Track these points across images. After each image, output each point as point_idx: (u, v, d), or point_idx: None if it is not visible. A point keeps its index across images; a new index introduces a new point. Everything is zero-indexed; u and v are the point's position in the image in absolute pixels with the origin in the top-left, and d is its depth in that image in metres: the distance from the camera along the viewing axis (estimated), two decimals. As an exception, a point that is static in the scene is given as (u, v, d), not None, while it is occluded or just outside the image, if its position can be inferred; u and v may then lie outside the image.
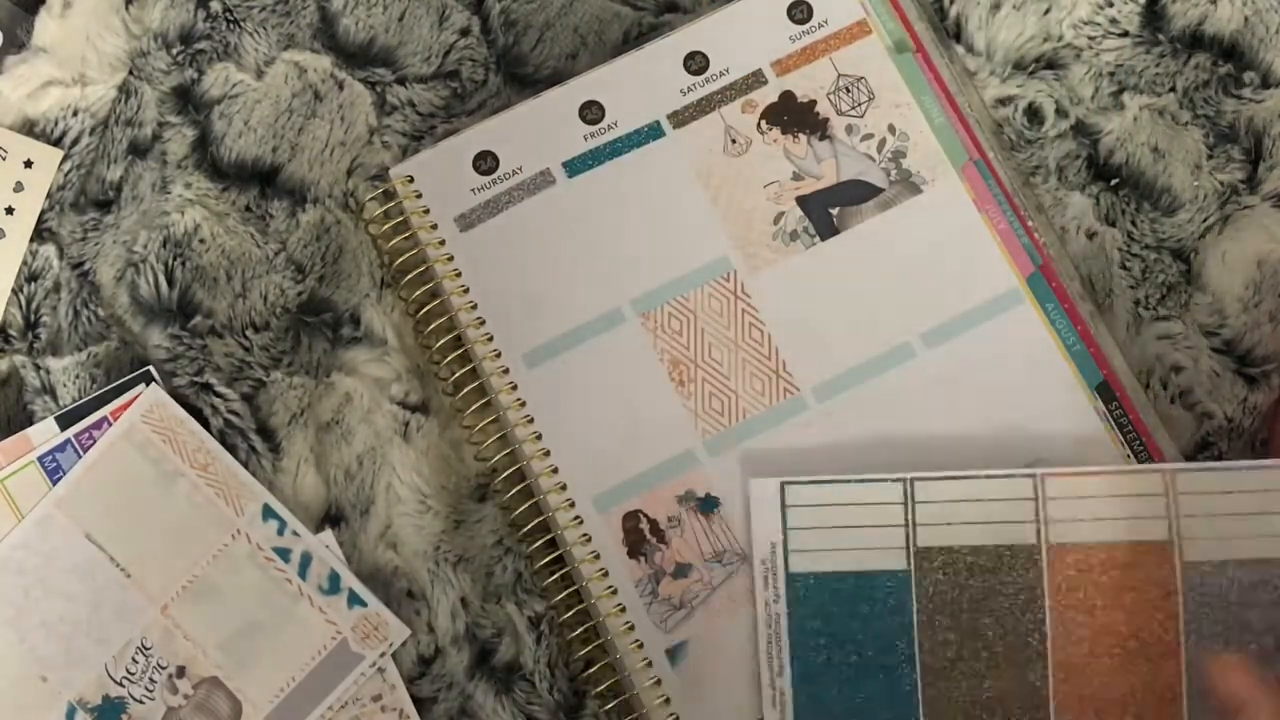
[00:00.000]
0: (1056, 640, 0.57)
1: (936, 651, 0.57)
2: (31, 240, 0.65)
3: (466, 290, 0.62)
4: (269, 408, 0.64)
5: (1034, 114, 0.65)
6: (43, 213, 0.65)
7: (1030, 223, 0.62)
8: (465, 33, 0.66)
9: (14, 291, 0.65)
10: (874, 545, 0.57)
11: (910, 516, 0.57)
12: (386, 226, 0.63)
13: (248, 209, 0.65)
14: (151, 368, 0.63)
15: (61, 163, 0.66)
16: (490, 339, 0.62)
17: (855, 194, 0.63)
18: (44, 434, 0.63)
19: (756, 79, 0.63)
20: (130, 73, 0.66)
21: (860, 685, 0.57)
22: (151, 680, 0.61)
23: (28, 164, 0.65)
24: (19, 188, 0.65)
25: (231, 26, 0.66)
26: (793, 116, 0.63)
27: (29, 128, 0.66)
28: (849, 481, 0.58)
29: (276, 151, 0.65)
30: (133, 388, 0.63)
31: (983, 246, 0.62)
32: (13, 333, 0.65)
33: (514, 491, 0.62)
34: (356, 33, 0.66)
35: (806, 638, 0.57)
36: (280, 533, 0.62)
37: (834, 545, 0.57)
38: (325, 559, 0.62)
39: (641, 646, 0.59)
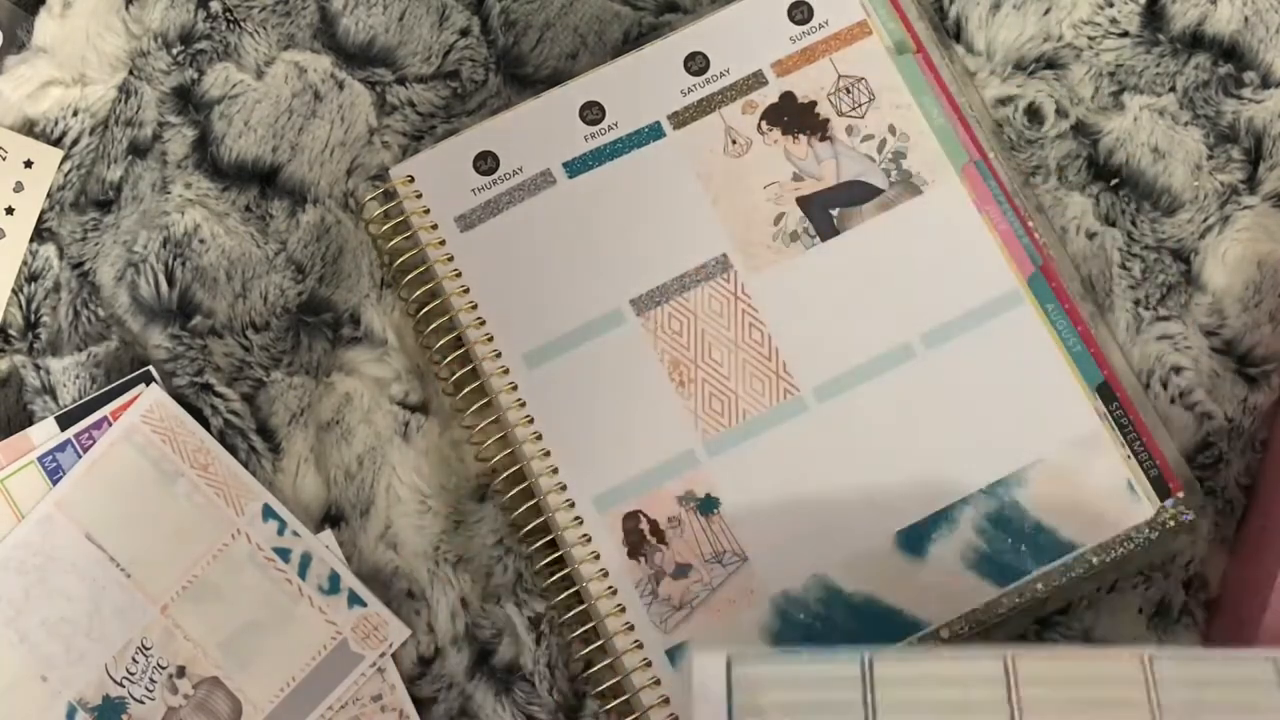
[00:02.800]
0: None
1: None
2: (31, 240, 0.65)
3: (467, 290, 0.62)
4: (269, 408, 0.64)
5: (1034, 114, 0.65)
6: (43, 213, 0.65)
7: (1030, 223, 0.62)
8: (465, 33, 0.66)
9: (14, 291, 0.65)
10: None
11: (870, 698, 0.50)
12: (387, 226, 0.63)
13: (248, 209, 0.65)
14: (151, 368, 0.63)
15: (61, 163, 0.66)
16: (490, 339, 0.62)
17: (855, 195, 0.63)
18: (44, 434, 0.63)
19: (757, 80, 0.63)
20: (130, 73, 0.66)
21: None
22: (151, 680, 0.61)
23: (28, 164, 0.65)
24: (19, 188, 0.65)
25: (231, 26, 0.66)
26: (793, 117, 0.63)
27: (29, 128, 0.66)
28: (802, 662, 0.50)
29: (276, 151, 0.65)
30: (133, 388, 0.63)
31: (983, 247, 0.62)
32: (13, 333, 0.65)
33: (514, 492, 0.62)
34: (356, 33, 0.66)
35: None
36: (280, 533, 0.62)
37: None
38: (325, 559, 0.62)
39: (641, 647, 0.59)
